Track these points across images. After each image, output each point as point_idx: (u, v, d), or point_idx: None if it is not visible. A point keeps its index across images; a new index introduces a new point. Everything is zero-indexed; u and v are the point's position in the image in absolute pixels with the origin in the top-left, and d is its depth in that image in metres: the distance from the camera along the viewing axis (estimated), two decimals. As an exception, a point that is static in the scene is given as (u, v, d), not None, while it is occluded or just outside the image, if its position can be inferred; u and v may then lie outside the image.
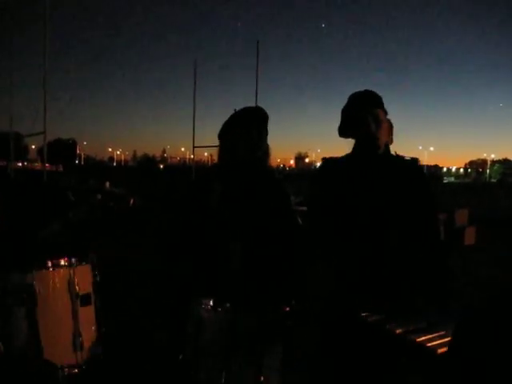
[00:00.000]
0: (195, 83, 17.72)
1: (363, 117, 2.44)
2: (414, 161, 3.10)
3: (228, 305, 2.26)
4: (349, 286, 2.40)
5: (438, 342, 1.79)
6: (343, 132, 2.55)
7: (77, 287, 2.75)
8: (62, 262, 2.77)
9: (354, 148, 2.49)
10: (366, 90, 2.56)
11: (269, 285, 2.53)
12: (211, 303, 2.29)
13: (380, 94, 2.55)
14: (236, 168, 2.61)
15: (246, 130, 2.57)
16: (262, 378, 2.26)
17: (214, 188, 2.56)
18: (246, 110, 2.67)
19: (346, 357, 2.32)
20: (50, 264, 2.73)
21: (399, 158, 2.55)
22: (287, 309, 2.35)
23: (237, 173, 2.62)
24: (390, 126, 2.51)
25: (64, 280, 2.74)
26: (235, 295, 2.37)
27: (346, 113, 2.54)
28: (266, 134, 2.63)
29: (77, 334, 2.70)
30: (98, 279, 2.88)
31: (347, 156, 2.51)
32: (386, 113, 2.51)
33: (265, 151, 2.63)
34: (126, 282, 5.61)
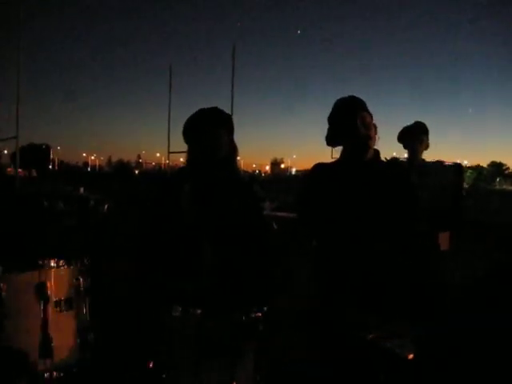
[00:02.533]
0: (170, 88, 17.65)
1: (352, 122, 2.44)
2: (402, 165, 3.12)
3: (198, 311, 2.23)
4: (333, 288, 2.40)
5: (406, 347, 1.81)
6: (332, 140, 2.54)
7: (49, 291, 2.66)
8: (33, 265, 2.69)
9: (342, 153, 2.49)
10: (350, 96, 2.57)
11: (240, 288, 2.52)
12: (180, 310, 2.24)
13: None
14: (200, 168, 2.63)
15: (201, 132, 2.59)
16: None
17: (184, 189, 2.56)
18: (199, 111, 2.69)
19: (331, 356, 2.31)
20: (19, 266, 2.65)
21: (388, 162, 2.57)
22: (259, 314, 2.31)
23: (202, 173, 2.63)
24: (375, 129, 2.53)
25: (32, 284, 2.66)
26: (205, 300, 2.32)
27: (333, 120, 2.54)
28: (228, 134, 2.64)
29: (46, 341, 2.62)
30: (84, 284, 2.80)
31: (337, 161, 2.51)
32: (371, 116, 2.52)
33: (229, 151, 2.61)
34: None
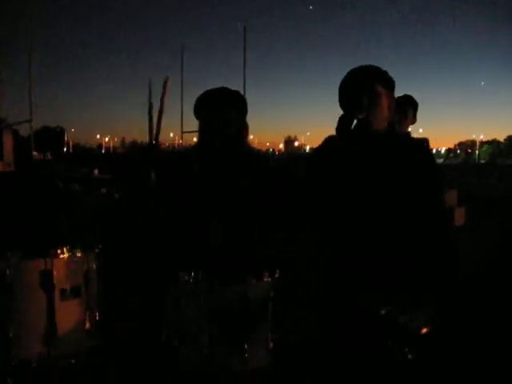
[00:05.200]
0: (182, 67, 17.66)
1: (356, 94, 2.36)
2: (421, 141, 3.04)
3: (207, 278, 2.24)
4: (341, 269, 2.38)
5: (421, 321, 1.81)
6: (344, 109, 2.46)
7: (55, 280, 2.66)
8: (39, 253, 2.68)
9: (353, 127, 2.40)
10: (361, 66, 2.47)
11: (250, 259, 2.53)
12: (189, 277, 2.25)
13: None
14: (209, 146, 2.66)
15: (208, 109, 2.64)
16: (247, 355, 2.24)
17: (193, 166, 2.60)
18: (207, 90, 2.71)
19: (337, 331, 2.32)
20: (25, 253, 2.65)
21: (406, 138, 2.50)
22: (269, 279, 2.33)
23: (211, 151, 2.67)
24: (393, 103, 2.41)
25: (36, 271, 2.64)
26: (215, 268, 2.32)
27: (340, 90, 2.47)
28: (238, 112, 2.67)
29: (52, 329, 2.62)
30: (94, 272, 2.79)
31: (349, 134, 2.41)
32: (389, 87, 2.41)
33: (239, 129, 2.66)
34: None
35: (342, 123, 2.38)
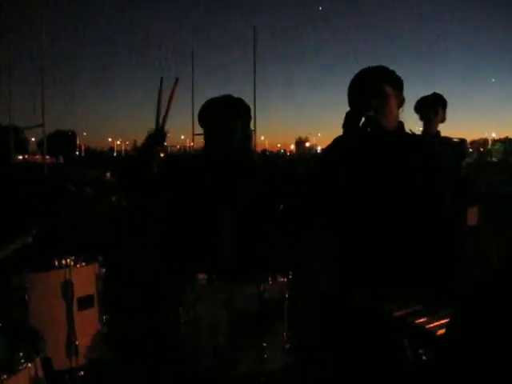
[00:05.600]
0: (193, 69, 17.68)
1: (365, 95, 2.37)
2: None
3: (224, 278, 2.25)
4: (349, 269, 2.38)
5: (436, 323, 1.80)
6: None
7: (74, 289, 2.67)
8: (56, 263, 2.71)
9: (361, 127, 2.40)
10: (369, 67, 2.48)
11: (263, 256, 2.54)
12: (206, 277, 2.27)
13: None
14: (214, 155, 2.69)
15: (212, 118, 2.67)
16: (266, 355, 2.24)
17: (201, 172, 2.65)
18: (211, 99, 2.74)
19: (343, 332, 2.31)
20: (42, 265, 2.66)
21: (415, 137, 2.51)
22: (285, 279, 2.32)
23: (216, 160, 2.69)
24: (401, 101, 2.44)
25: (57, 282, 2.65)
26: (230, 268, 2.35)
27: (350, 91, 2.47)
28: (242, 121, 2.69)
29: (72, 339, 2.64)
30: (103, 279, 2.81)
31: (357, 131, 2.41)
32: (397, 87, 2.42)
33: (243, 137, 2.69)
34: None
35: (350, 120, 2.38)
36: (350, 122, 2.37)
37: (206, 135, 2.71)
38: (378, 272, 2.27)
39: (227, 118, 2.64)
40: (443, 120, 4.47)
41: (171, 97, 2.66)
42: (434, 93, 4.51)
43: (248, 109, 2.76)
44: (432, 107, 4.36)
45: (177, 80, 2.71)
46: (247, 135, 2.71)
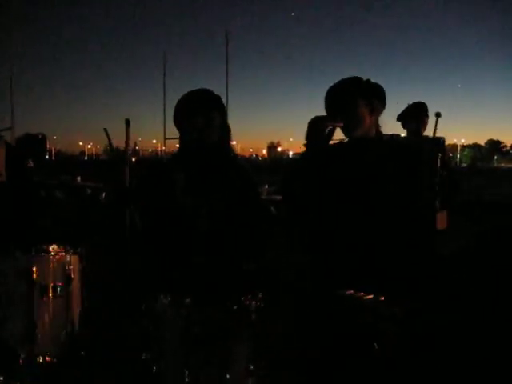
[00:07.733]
0: (164, 74, 17.68)
1: (338, 107, 2.43)
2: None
3: (187, 300, 2.15)
4: (329, 275, 2.39)
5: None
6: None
7: (35, 277, 2.62)
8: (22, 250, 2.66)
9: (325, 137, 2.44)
10: (343, 79, 2.53)
11: (233, 273, 2.50)
12: (168, 299, 2.18)
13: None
14: (193, 153, 2.63)
15: (194, 114, 2.58)
16: (228, 376, 2.13)
17: (176, 178, 2.57)
18: (190, 93, 2.69)
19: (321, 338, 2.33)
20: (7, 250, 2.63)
21: (393, 141, 2.55)
22: (253, 302, 2.24)
23: (195, 158, 2.63)
24: (374, 109, 2.47)
25: (17, 269, 2.61)
26: (195, 289, 2.26)
27: (325, 103, 2.53)
28: (221, 115, 2.64)
29: (30, 327, 2.58)
30: (76, 272, 2.77)
31: (327, 140, 2.45)
32: (367, 97, 2.46)
33: (223, 134, 2.64)
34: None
35: (316, 129, 2.39)
36: (312, 133, 2.39)
37: (184, 128, 2.65)
38: (353, 271, 2.30)
39: (208, 108, 2.60)
40: (426, 127, 4.58)
41: (127, 140, 2.68)
42: (420, 103, 4.66)
43: (223, 104, 2.74)
44: (421, 118, 4.52)
45: (128, 123, 2.71)
46: (226, 129, 2.67)
